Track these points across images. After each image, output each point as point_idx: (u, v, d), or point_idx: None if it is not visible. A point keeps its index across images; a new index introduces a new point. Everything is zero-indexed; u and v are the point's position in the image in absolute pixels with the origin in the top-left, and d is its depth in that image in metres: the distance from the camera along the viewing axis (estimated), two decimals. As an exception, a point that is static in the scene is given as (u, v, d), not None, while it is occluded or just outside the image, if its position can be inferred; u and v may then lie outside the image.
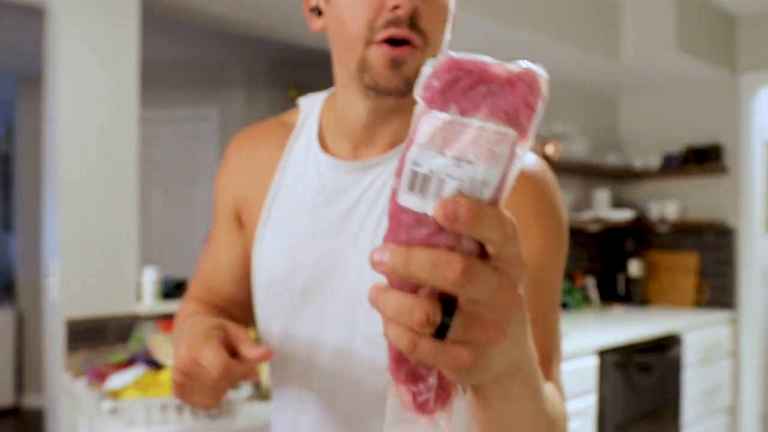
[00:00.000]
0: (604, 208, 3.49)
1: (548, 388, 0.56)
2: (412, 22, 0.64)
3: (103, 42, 1.95)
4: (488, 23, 2.51)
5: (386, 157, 0.73)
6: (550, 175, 0.73)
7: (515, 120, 0.33)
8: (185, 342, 0.64)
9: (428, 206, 0.32)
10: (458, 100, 0.34)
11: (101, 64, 1.95)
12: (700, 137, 3.47)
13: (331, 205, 0.74)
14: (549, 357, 0.68)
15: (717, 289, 3.40)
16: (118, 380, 1.46)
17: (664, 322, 2.90)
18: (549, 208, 0.69)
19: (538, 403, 0.48)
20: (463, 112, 0.33)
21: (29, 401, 4.45)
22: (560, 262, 0.71)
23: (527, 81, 0.34)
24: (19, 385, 4.47)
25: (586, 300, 3.37)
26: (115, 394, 1.43)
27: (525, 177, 0.68)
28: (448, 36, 0.71)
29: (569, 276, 3.51)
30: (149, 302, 2.01)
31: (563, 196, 0.70)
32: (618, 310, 3.30)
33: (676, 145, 3.57)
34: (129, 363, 1.60)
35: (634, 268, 3.52)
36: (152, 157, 4.27)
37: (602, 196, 3.53)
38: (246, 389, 1.47)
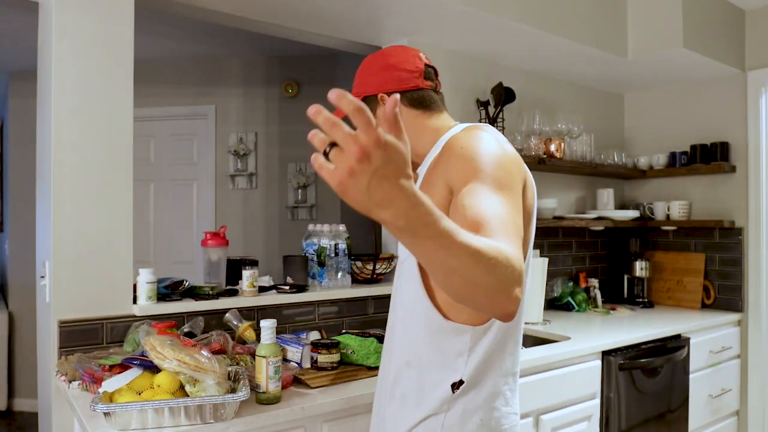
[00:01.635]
0: (609, 208, 3.46)
1: (478, 238, 0.84)
2: None
3: (97, 37, 1.93)
4: (494, 18, 2.51)
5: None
6: (465, 134, 1.23)
7: None
8: None
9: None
10: None
11: (95, 60, 1.92)
12: (707, 135, 3.44)
13: None
14: (477, 222, 1.00)
15: (724, 291, 3.36)
16: (112, 383, 1.45)
17: (670, 324, 2.88)
18: (461, 150, 1.18)
19: (448, 247, 0.75)
20: None
21: (21, 405, 4.40)
22: (483, 171, 1.10)
23: None
24: (11, 389, 4.42)
25: (590, 301, 3.33)
26: (109, 397, 1.42)
27: (452, 140, 1.23)
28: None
29: (573, 277, 3.48)
30: (144, 304, 1.97)
31: (483, 141, 1.19)
32: (623, 312, 3.27)
33: (683, 143, 3.54)
34: (123, 365, 1.57)
35: (640, 268, 3.49)
36: (148, 155, 4.23)
37: (607, 195, 3.49)
38: (243, 393, 1.43)
